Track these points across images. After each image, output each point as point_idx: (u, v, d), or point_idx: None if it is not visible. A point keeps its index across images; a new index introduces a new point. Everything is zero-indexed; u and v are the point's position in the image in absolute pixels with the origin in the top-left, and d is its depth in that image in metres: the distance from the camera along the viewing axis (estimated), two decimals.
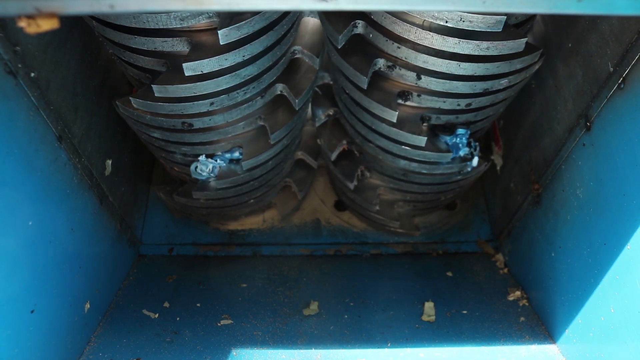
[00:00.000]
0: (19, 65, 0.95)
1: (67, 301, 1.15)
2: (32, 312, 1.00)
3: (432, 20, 0.98)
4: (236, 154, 1.30)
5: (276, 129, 1.23)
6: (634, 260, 0.99)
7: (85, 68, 1.22)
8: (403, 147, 1.25)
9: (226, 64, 1.02)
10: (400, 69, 1.10)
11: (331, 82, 1.38)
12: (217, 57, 0.99)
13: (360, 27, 1.08)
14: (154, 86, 1.03)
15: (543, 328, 1.33)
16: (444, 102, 1.14)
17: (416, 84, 1.10)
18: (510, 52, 1.01)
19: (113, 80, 1.38)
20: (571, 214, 1.21)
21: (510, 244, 1.57)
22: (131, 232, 1.55)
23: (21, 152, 0.96)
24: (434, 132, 1.24)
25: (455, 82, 1.08)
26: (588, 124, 1.13)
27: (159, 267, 1.56)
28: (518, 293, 1.45)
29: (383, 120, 1.20)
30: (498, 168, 1.64)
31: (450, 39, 0.98)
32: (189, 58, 0.99)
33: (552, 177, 1.30)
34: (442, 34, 0.98)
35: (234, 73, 1.05)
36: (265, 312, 1.37)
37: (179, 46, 1.02)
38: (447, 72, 1.05)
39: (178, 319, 1.34)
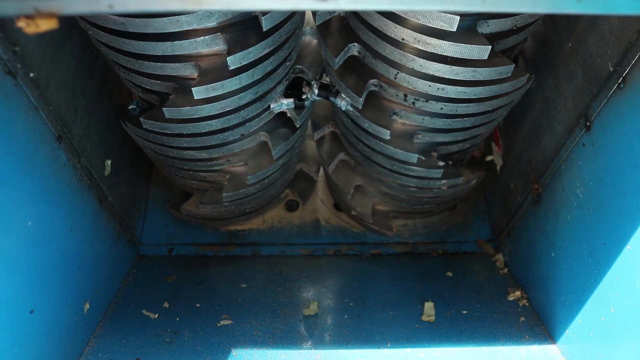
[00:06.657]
0: (18, 66, 0.95)
1: (66, 301, 1.14)
2: (31, 312, 1.00)
3: None
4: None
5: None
6: (634, 260, 0.98)
7: (85, 68, 1.22)
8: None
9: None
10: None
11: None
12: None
13: None
14: None
15: (543, 328, 1.33)
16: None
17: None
18: None
19: (113, 80, 1.37)
20: (571, 213, 1.21)
21: (510, 244, 1.57)
22: (131, 232, 1.55)
23: (20, 152, 0.96)
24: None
25: None
26: (588, 123, 1.13)
27: (159, 267, 1.56)
28: (518, 293, 1.45)
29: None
30: (498, 168, 1.63)
31: None
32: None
33: (552, 177, 1.30)
34: None
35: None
36: (265, 312, 1.37)
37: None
38: None
39: (178, 319, 1.33)
